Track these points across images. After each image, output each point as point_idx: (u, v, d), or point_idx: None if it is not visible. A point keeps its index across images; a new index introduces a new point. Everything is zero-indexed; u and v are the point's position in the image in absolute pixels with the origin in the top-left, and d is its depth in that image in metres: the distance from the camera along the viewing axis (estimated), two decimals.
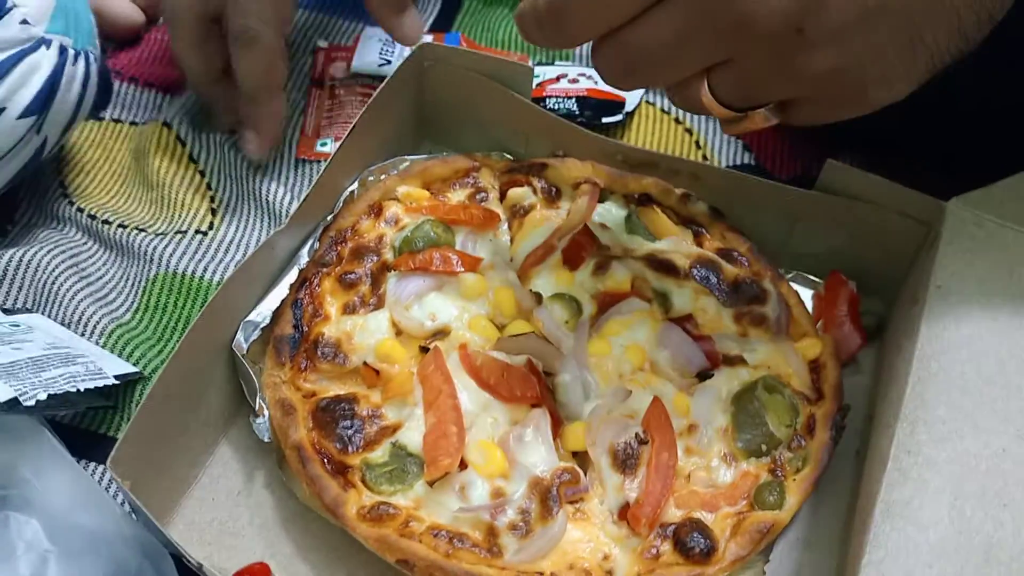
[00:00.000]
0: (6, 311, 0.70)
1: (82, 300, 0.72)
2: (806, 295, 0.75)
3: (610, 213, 0.76)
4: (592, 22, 0.54)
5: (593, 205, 0.75)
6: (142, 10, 0.91)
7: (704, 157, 0.87)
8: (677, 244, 0.74)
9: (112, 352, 0.70)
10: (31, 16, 0.69)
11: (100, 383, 0.64)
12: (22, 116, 0.69)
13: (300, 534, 0.64)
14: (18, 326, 0.68)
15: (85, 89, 0.74)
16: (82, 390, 0.63)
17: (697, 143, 0.88)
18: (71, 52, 0.72)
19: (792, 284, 0.75)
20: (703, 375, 0.67)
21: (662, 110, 0.90)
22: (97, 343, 0.70)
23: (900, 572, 0.49)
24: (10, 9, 0.68)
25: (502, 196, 0.78)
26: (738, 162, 0.87)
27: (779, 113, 0.57)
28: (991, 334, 0.61)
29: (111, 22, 0.87)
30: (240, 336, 0.66)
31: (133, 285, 0.74)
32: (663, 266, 0.71)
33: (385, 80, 0.75)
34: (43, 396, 0.60)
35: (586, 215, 0.74)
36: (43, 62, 0.70)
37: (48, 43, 0.70)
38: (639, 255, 0.72)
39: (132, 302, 0.73)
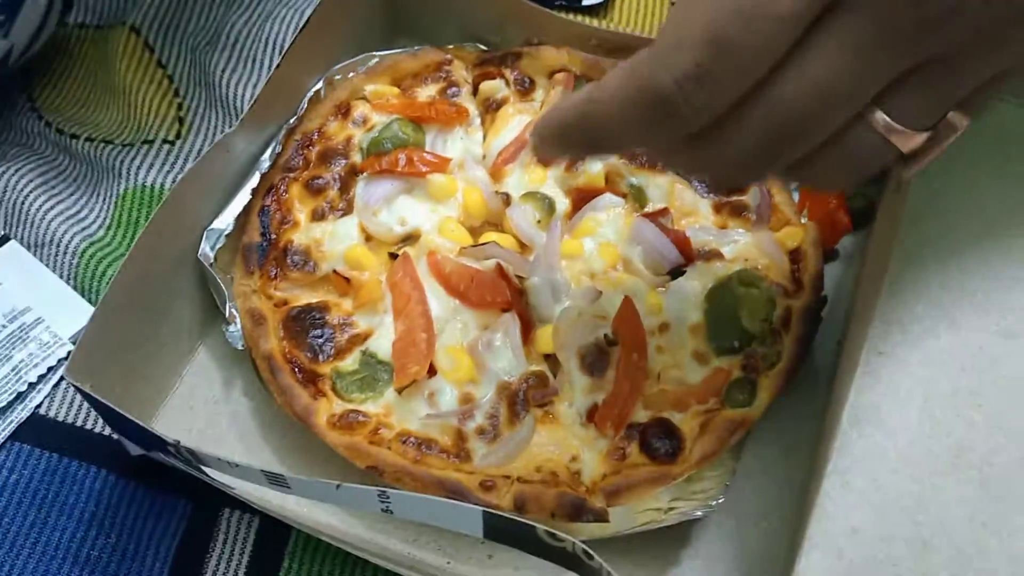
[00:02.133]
0: None
1: (54, 219, 0.71)
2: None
3: None
4: (722, 91, 0.40)
5: (567, 96, 0.72)
6: None
7: None
8: None
9: (86, 271, 0.70)
10: None
11: (50, 363, 0.67)
12: None
13: (278, 439, 0.65)
14: None
15: (49, 7, 0.72)
16: (33, 381, 0.66)
17: None
18: None
19: None
20: (677, 272, 0.65)
21: None
22: (71, 263, 0.70)
23: (865, 479, 0.49)
24: None
25: (475, 89, 0.75)
26: None
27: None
28: (975, 224, 0.58)
29: None
30: (205, 245, 0.66)
31: (104, 200, 0.73)
32: (639, 158, 0.68)
33: None
34: (3, 436, 0.64)
35: None
36: None
37: None
38: None
39: (104, 218, 0.73)
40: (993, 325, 0.53)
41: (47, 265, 0.70)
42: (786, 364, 0.62)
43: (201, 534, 0.62)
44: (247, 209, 0.68)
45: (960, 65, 0.41)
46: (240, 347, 0.64)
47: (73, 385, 0.55)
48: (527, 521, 0.51)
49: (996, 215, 0.58)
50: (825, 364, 0.65)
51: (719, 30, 0.38)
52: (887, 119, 0.41)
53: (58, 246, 0.70)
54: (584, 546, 0.49)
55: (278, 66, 0.68)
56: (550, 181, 0.69)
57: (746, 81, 0.39)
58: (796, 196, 0.71)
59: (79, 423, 0.65)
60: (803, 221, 0.69)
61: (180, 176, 0.73)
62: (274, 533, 0.62)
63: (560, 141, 0.45)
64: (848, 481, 0.49)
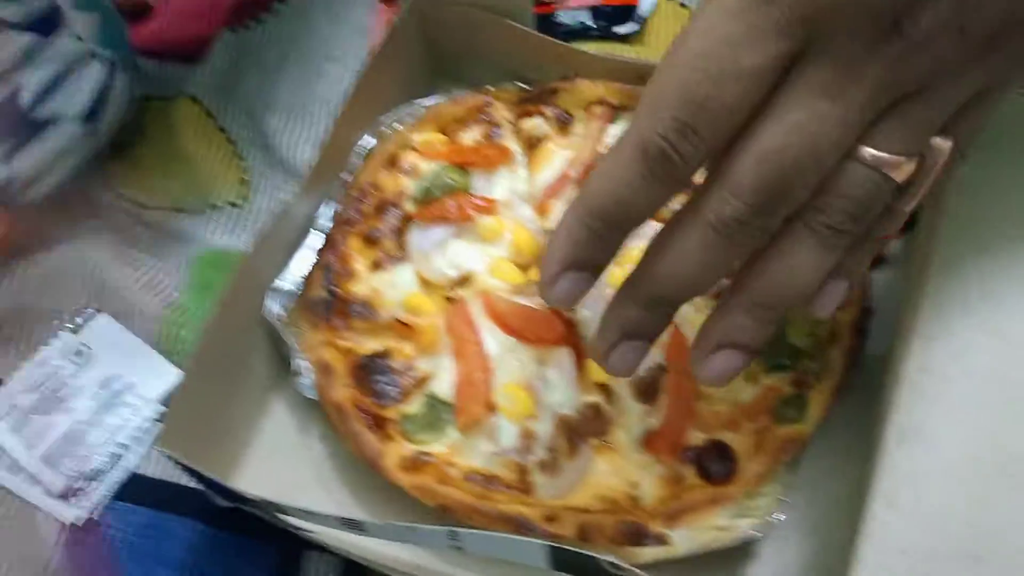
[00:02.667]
0: (73, 330, 0.76)
1: (134, 287, 0.77)
2: None
3: None
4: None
5: (604, 129, 0.74)
6: None
7: None
8: None
9: (168, 336, 0.75)
10: (83, 33, 0.74)
11: (140, 424, 0.72)
12: (79, 122, 0.75)
13: (354, 482, 0.68)
14: (80, 355, 0.75)
15: (129, 99, 0.80)
16: (127, 443, 0.72)
17: None
18: (115, 65, 0.78)
19: None
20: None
21: (680, 4, 0.86)
22: (151, 328, 0.75)
23: (912, 499, 0.49)
24: (64, 27, 0.72)
25: (517, 129, 0.78)
26: None
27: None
28: (1017, 227, 0.58)
29: None
30: (271, 304, 0.70)
31: (177, 265, 0.78)
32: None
33: (381, 33, 0.75)
34: (101, 496, 0.70)
35: (597, 141, 0.73)
36: (94, 74, 0.75)
37: (97, 57, 0.75)
38: None
39: (179, 282, 0.78)
40: None
41: (132, 332, 0.75)
42: (836, 378, 0.63)
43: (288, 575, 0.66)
44: (311, 266, 0.71)
45: (934, 93, 0.42)
46: (312, 397, 0.68)
47: (165, 455, 0.60)
48: (588, 552, 0.53)
49: None
50: (876, 374, 0.66)
51: (690, 92, 0.42)
52: (872, 151, 0.43)
53: (139, 313, 0.75)
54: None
55: (333, 128, 0.72)
56: None
57: (726, 131, 0.42)
58: None
59: (172, 479, 0.70)
60: None
61: (246, 240, 0.78)
62: (356, 571, 0.65)
63: (588, 235, 0.49)
64: (894, 501, 0.50)
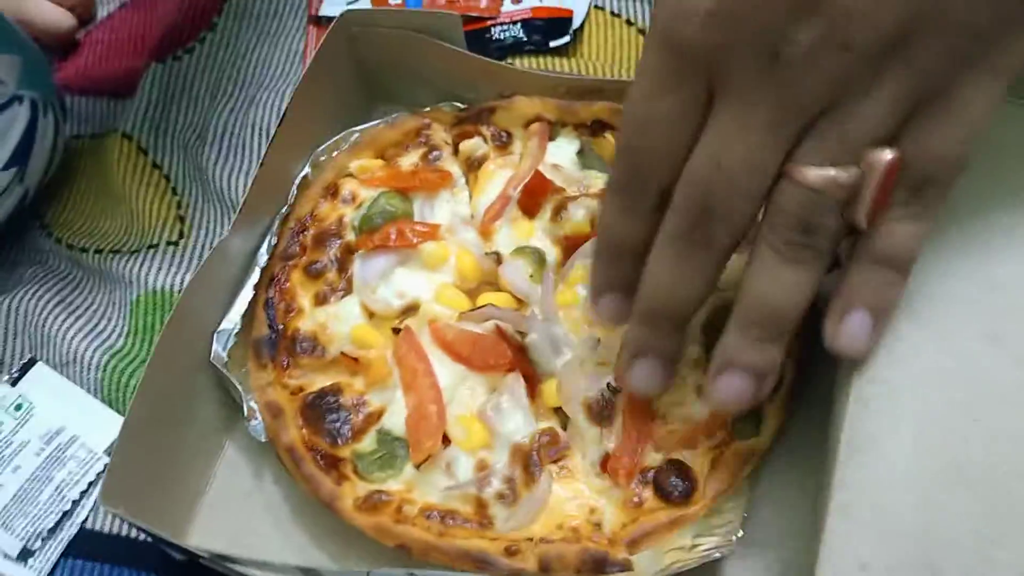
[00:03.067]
0: (10, 382, 0.74)
1: (74, 337, 0.75)
2: None
3: (562, 150, 0.74)
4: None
5: (544, 146, 0.73)
6: (72, 11, 0.90)
7: None
8: None
9: (111, 383, 0.73)
10: (4, 75, 0.72)
11: (90, 478, 0.70)
12: (6, 167, 0.73)
13: (311, 523, 0.67)
14: (20, 408, 0.73)
15: (56, 139, 0.78)
16: (76, 498, 0.70)
17: None
18: (40, 104, 0.76)
19: None
20: None
21: (612, 13, 0.86)
22: (96, 378, 0.73)
23: (868, 511, 0.49)
24: None
25: (456, 149, 0.76)
26: None
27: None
28: (952, 231, 0.58)
29: (42, 31, 0.86)
30: (216, 347, 0.68)
31: (119, 310, 0.76)
32: None
33: (311, 57, 0.73)
34: (56, 555, 0.68)
35: (536, 158, 0.72)
36: (19, 117, 0.73)
37: (21, 99, 0.73)
38: (596, 190, 0.71)
39: (121, 327, 0.76)
40: (981, 330, 0.54)
41: (74, 382, 0.73)
42: (789, 388, 0.63)
43: None
44: (252, 304, 0.70)
45: (845, 107, 0.44)
46: (264, 440, 0.67)
47: (108, 510, 0.58)
48: None
49: (971, 220, 0.58)
50: (828, 378, 0.66)
51: (625, 142, 0.50)
52: (796, 168, 0.46)
53: (82, 363, 0.73)
54: None
55: (263, 160, 0.70)
56: (538, 233, 0.71)
57: (665, 169, 0.48)
58: None
59: (126, 532, 0.68)
60: None
61: (186, 279, 0.76)
62: None
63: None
64: (851, 515, 0.49)
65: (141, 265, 0.78)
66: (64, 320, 0.76)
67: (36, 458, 0.71)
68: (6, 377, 0.73)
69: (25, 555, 0.67)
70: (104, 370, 0.73)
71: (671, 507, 0.60)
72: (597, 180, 0.71)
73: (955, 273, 0.56)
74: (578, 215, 0.70)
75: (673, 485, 0.60)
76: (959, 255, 0.57)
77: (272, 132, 0.73)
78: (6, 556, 0.67)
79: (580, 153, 0.74)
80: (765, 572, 0.60)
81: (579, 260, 0.69)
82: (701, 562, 0.57)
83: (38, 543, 0.68)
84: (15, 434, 0.71)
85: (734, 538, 0.58)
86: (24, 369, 0.74)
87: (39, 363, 0.75)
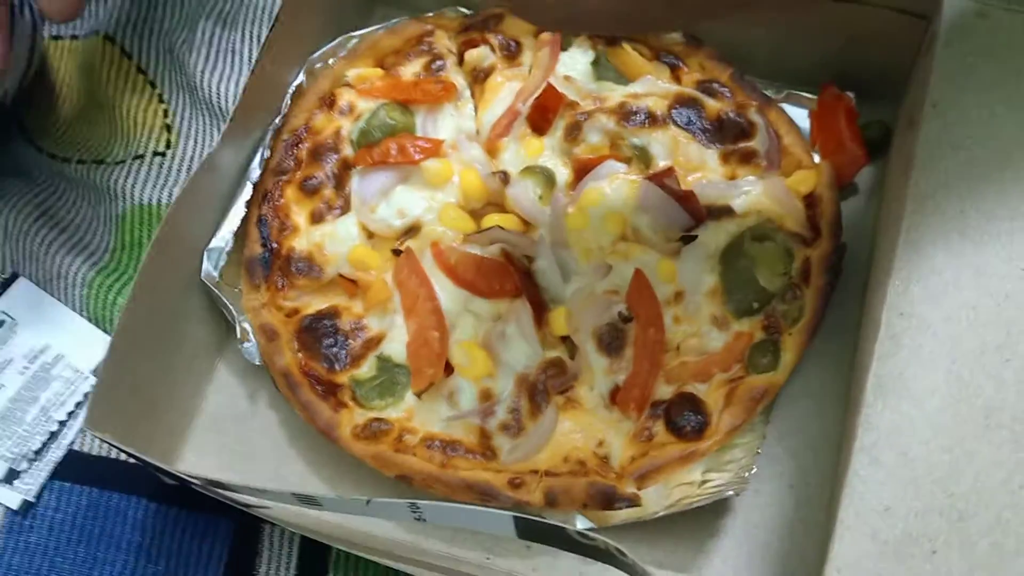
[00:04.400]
0: None
1: (58, 252, 0.71)
2: (801, 115, 0.69)
3: (575, 61, 0.69)
4: None
5: (555, 57, 0.69)
6: None
7: None
8: (652, 84, 0.68)
9: (97, 300, 0.70)
10: None
11: (77, 399, 0.68)
12: None
13: (309, 450, 0.65)
14: (2, 324, 0.69)
15: (35, 39, 0.74)
16: (63, 419, 0.67)
17: None
18: (15, 3, 0.70)
19: (785, 106, 0.69)
20: (688, 237, 0.63)
21: None
22: (82, 295, 0.70)
23: (894, 453, 0.47)
24: None
25: (461, 59, 0.72)
26: None
27: None
28: (995, 157, 0.55)
29: None
30: (207, 265, 0.65)
31: (105, 224, 0.73)
32: (639, 117, 0.65)
33: None
34: (43, 477, 0.66)
35: (548, 70, 0.68)
36: None
37: None
38: (611, 105, 0.66)
39: (107, 242, 0.72)
40: (1018, 270, 0.51)
41: (59, 299, 0.70)
42: (808, 320, 0.60)
43: (246, 552, 0.63)
44: (245, 221, 0.66)
45: None
46: (258, 362, 0.64)
47: (95, 435, 0.55)
48: (556, 523, 0.51)
49: (1016, 144, 0.55)
50: (852, 311, 0.63)
51: None
52: None
53: (67, 279, 0.70)
54: (616, 544, 0.49)
55: (254, 67, 0.65)
56: (548, 151, 0.67)
57: None
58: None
59: (115, 455, 0.66)
60: (816, 160, 0.66)
61: (175, 192, 0.73)
62: (317, 544, 0.62)
63: None
64: (877, 457, 0.47)
65: (127, 177, 0.73)
66: (48, 234, 0.72)
67: (20, 377, 0.68)
68: None
69: (11, 476, 0.65)
70: (90, 287, 0.70)
71: (682, 442, 0.58)
72: (613, 94, 0.67)
73: (995, 209, 0.53)
74: (594, 137, 0.66)
75: (686, 419, 0.58)
76: (1002, 188, 0.54)
77: (264, 36, 0.68)
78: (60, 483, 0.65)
79: (595, 64, 0.69)
80: (776, 510, 0.59)
81: (591, 182, 0.65)
82: (712, 499, 0.56)
83: (24, 464, 0.66)
84: None
85: (747, 474, 0.56)
86: (5, 284, 0.71)
87: (22, 278, 0.71)
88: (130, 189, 0.73)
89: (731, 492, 0.55)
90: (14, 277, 0.71)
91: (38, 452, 0.66)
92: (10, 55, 0.66)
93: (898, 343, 0.50)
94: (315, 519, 0.60)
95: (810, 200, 0.64)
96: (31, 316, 0.70)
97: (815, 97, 0.69)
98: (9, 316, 0.70)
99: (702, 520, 0.59)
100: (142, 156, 0.75)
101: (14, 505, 0.65)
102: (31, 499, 0.65)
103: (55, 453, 0.66)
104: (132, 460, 0.64)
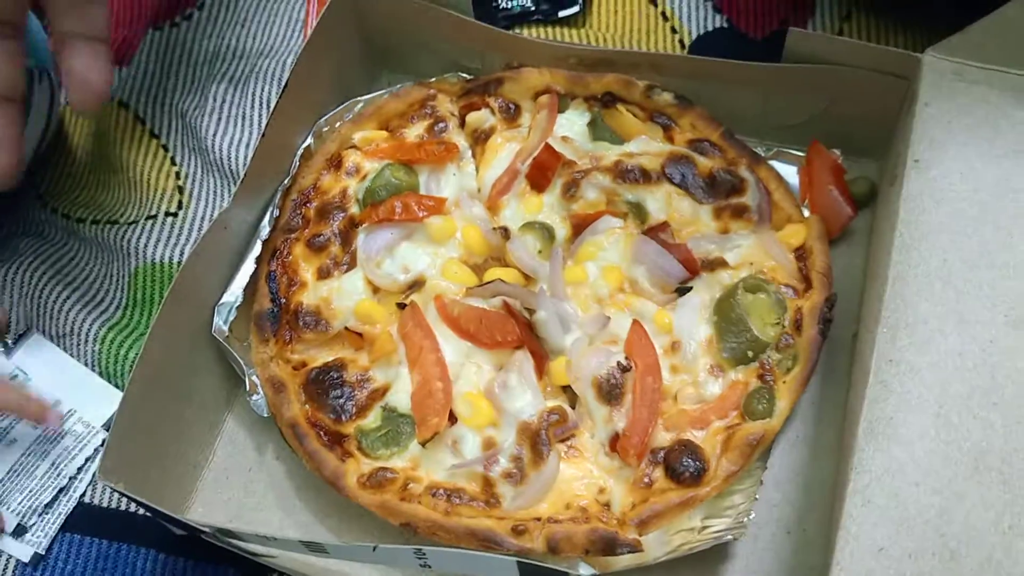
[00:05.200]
0: (4, 351, 0.72)
1: (71, 308, 0.73)
2: (791, 172, 0.72)
3: (572, 122, 0.72)
4: None
5: (553, 118, 0.72)
6: None
7: (673, 29, 0.82)
8: (646, 144, 0.71)
9: (109, 355, 0.72)
10: None
11: (87, 453, 0.69)
12: None
13: (315, 500, 0.66)
14: (15, 379, 0.71)
15: (51, 107, 0.76)
16: (73, 473, 0.69)
17: (664, 15, 0.83)
18: (36, 72, 0.74)
19: (774, 163, 0.71)
20: (684, 288, 0.65)
21: None
22: (94, 350, 0.72)
23: (886, 496, 0.49)
24: None
25: (463, 121, 0.75)
26: (710, 27, 0.82)
27: None
28: (974, 210, 0.57)
29: None
30: (218, 320, 0.67)
31: (117, 281, 0.75)
32: (634, 174, 0.68)
33: (313, 25, 0.71)
34: (54, 530, 0.67)
35: (546, 131, 0.71)
36: None
37: None
38: (607, 164, 0.69)
39: (119, 299, 0.74)
40: (1001, 316, 0.53)
41: (71, 354, 0.72)
42: (802, 368, 0.62)
43: None
44: (254, 277, 0.68)
45: None
46: (266, 415, 0.66)
47: (107, 486, 0.56)
48: (560, 568, 0.52)
49: (993, 197, 0.57)
50: (843, 358, 0.65)
51: None
52: None
53: (79, 335, 0.72)
54: None
55: (264, 131, 0.68)
56: (547, 208, 0.69)
57: None
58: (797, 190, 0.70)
59: (124, 507, 0.67)
60: (805, 214, 0.68)
61: (187, 251, 0.75)
62: None
63: None
64: (869, 499, 0.49)
65: (139, 236, 0.76)
66: (61, 291, 0.74)
67: (32, 431, 0.69)
68: (0, 348, 0.72)
69: (21, 531, 0.66)
70: (102, 343, 0.72)
71: (682, 488, 0.59)
72: (609, 153, 0.70)
73: (977, 259, 0.56)
74: (591, 194, 0.68)
75: (684, 465, 0.59)
76: (982, 239, 0.56)
77: (273, 102, 0.70)
78: (1, 531, 0.66)
79: (591, 125, 0.72)
80: (774, 555, 0.60)
81: (589, 237, 0.67)
82: (712, 544, 0.57)
83: (34, 518, 0.67)
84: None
85: (745, 520, 0.58)
86: (19, 339, 0.73)
87: (35, 333, 0.73)
88: (142, 248, 0.75)
89: (730, 537, 0.56)
90: (27, 332, 0.73)
91: (48, 505, 0.67)
92: (22, 141, 0.66)
93: (888, 388, 0.51)
94: (322, 568, 0.61)
95: (801, 252, 0.66)
96: (43, 370, 0.72)
97: (803, 154, 0.72)
98: (23, 371, 0.71)
99: (702, 565, 0.60)
100: (155, 216, 0.77)
101: (25, 558, 0.66)
102: (41, 552, 0.66)
103: (66, 506, 0.68)
104: (142, 511, 0.66)
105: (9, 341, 0.72)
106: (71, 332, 0.72)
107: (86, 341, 0.72)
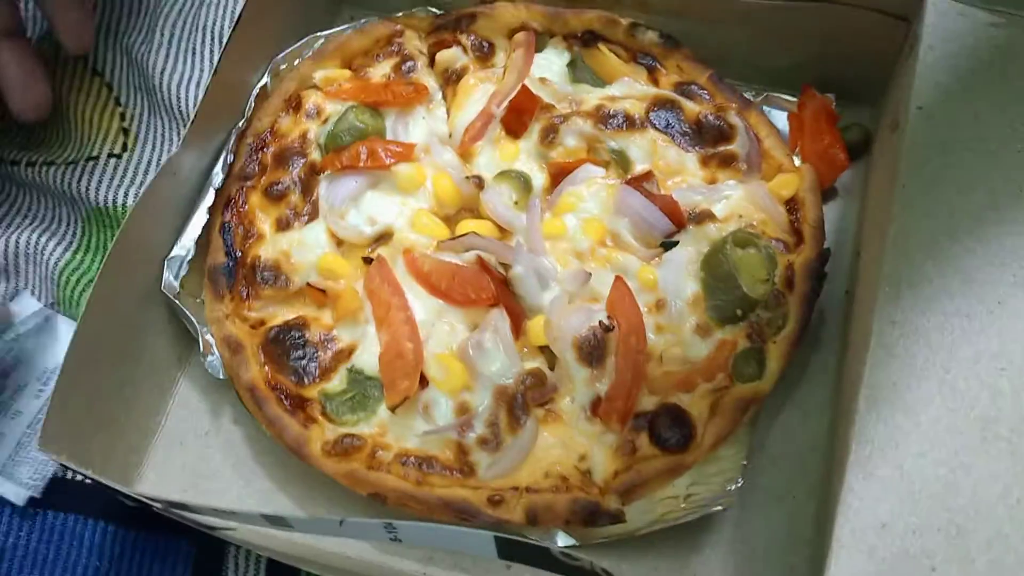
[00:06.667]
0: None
1: (20, 255, 0.68)
2: (781, 118, 0.68)
3: (551, 62, 0.68)
4: None
5: (530, 58, 0.67)
6: None
7: None
8: (630, 87, 0.66)
9: (68, 300, 0.68)
10: None
11: None
12: None
13: (276, 467, 0.62)
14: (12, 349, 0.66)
15: None
16: None
17: None
18: None
19: (765, 108, 0.67)
20: (669, 243, 0.61)
21: None
22: (53, 288, 0.68)
23: (889, 468, 0.46)
24: None
25: (432, 60, 0.70)
26: None
27: None
28: (981, 160, 0.53)
29: None
30: (167, 275, 0.62)
31: (68, 226, 0.70)
32: (617, 119, 0.64)
33: None
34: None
35: (522, 72, 0.66)
36: None
37: None
38: (588, 108, 0.65)
39: (72, 242, 0.69)
40: (1010, 276, 0.50)
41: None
42: (793, 327, 0.58)
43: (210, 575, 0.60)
44: (207, 228, 0.64)
45: None
46: (222, 376, 0.61)
47: (49, 456, 0.52)
48: (540, 543, 0.48)
49: (1003, 146, 0.54)
50: (835, 316, 0.62)
51: None
52: None
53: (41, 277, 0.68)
54: (601, 565, 0.47)
55: (216, 68, 0.62)
56: (523, 155, 0.65)
57: None
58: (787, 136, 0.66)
59: (70, 475, 0.63)
60: (797, 164, 0.65)
61: (132, 198, 0.69)
62: (285, 566, 0.60)
63: None
64: (871, 472, 0.46)
65: (80, 178, 0.70)
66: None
67: (36, 401, 0.65)
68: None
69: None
70: (63, 288, 0.67)
71: (667, 454, 0.56)
72: (590, 96, 0.65)
73: (986, 213, 0.52)
74: (571, 141, 0.64)
75: (670, 432, 0.56)
76: (991, 192, 0.53)
77: (226, 37, 0.65)
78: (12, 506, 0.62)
79: (571, 65, 0.68)
80: (764, 525, 0.57)
81: (568, 187, 0.63)
82: (698, 515, 0.54)
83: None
84: (7, 378, 0.65)
85: (732, 488, 0.55)
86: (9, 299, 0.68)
87: (24, 292, 0.68)
88: (83, 190, 0.70)
89: (717, 507, 0.53)
90: (16, 292, 0.68)
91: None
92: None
93: (890, 352, 0.48)
94: (284, 540, 0.57)
95: (792, 204, 0.63)
96: (38, 336, 0.67)
97: (795, 99, 0.68)
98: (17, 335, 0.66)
99: (688, 534, 0.57)
100: (96, 158, 0.71)
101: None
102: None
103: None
104: (88, 481, 0.62)
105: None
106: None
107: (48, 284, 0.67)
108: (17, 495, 0.62)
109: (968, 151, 0.54)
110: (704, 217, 0.61)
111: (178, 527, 0.59)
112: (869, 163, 0.66)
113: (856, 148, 0.67)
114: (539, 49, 0.68)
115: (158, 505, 0.53)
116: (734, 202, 0.62)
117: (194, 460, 0.63)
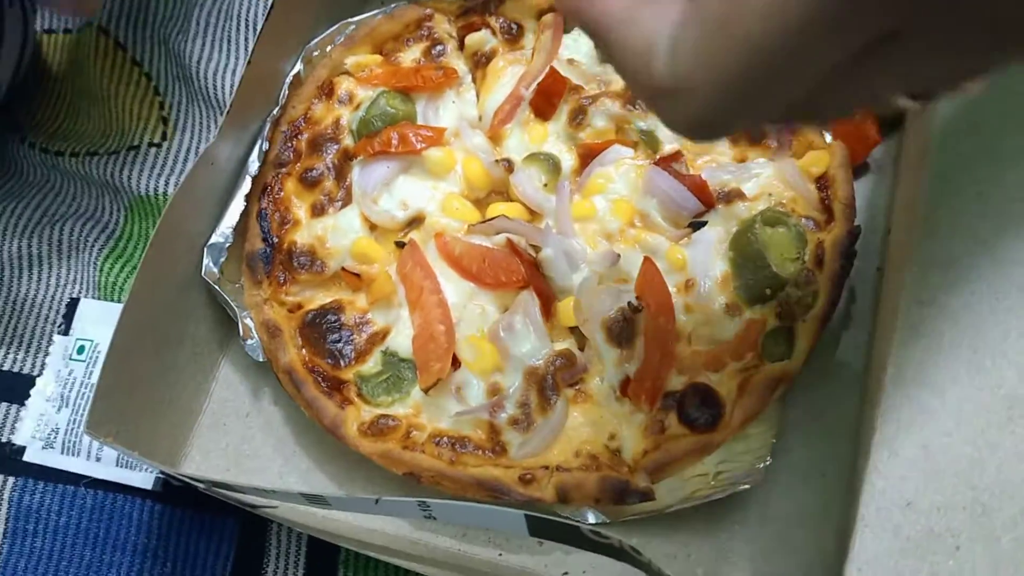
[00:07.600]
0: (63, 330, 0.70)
1: (64, 244, 0.70)
2: None
3: (579, 43, 0.68)
4: None
5: (558, 39, 0.67)
6: None
7: None
8: None
9: (111, 286, 0.70)
10: None
11: None
12: None
13: (314, 447, 0.64)
14: (83, 351, 0.69)
15: (25, 33, 0.71)
16: None
17: None
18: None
19: None
20: (698, 223, 0.61)
21: None
22: (95, 276, 0.70)
23: (915, 447, 0.46)
24: None
25: (462, 44, 0.70)
26: None
27: None
28: (1011, 139, 0.53)
29: None
30: (207, 261, 0.63)
31: (112, 214, 0.72)
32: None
33: None
34: None
35: (551, 53, 0.66)
36: None
37: None
38: (617, 89, 0.65)
39: (115, 231, 0.72)
40: None
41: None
42: (823, 306, 0.58)
43: (253, 552, 0.62)
44: (244, 215, 0.65)
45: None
46: (262, 359, 0.63)
47: (97, 440, 0.54)
48: (570, 521, 0.49)
49: None
50: (867, 294, 0.62)
51: None
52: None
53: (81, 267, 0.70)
54: (631, 543, 0.48)
55: (251, 56, 0.63)
56: (552, 137, 0.65)
57: None
58: None
59: (120, 456, 0.65)
60: (827, 140, 0.64)
61: (171, 181, 0.71)
62: (326, 543, 0.61)
63: None
64: (897, 450, 0.46)
65: (122, 168, 0.72)
66: (51, 231, 0.71)
67: None
68: (54, 327, 0.70)
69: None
70: (106, 275, 0.69)
71: (696, 433, 0.56)
72: (617, 77, 0.65)
73: (1017, 192, 0.52)
74: (599, 121, 0.64)
75: (699, 411, 0.56)
76: (1017, 172, 0.52)
77: (259, 25, 0.66)
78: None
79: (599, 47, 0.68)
80: (792, 502, 0.57)
81: (597, 168, 0.63)
82: (727, 492, 0.54)
83: None
84: (89, 377, 0.67)
85: (762, 466, 0.55)
86: (70, 311, 0.70)
87: (83, 300, 0.70)
88: (126, 180, 0.72)
89: (746, 485, 0.54)
90: (75, 302, 0.70)
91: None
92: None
93: (917, 332, 0.48)
94: (323, 518, 0.59)
95: (822, 181, 0.62)
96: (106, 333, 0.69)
97: None
98: (87, 339, 0.69)
99: (716, 512, 0.57)
100: (136, 147, 0.73)
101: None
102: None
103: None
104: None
105: (61, 318, 0.70)
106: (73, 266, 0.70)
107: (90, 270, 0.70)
108: (144, 479, 0.64)
109: (999, 129, 0.53)
110: (733, 196, 0.61)
111: (223, 506, 0.62)
112: (901, 138, 0.66)
113: (888, 124, 0.66)
114: (567, 30, 0.68)
115: (202, 485, 0.55)
116: (764, 180, 0.62)
117: (236, 441, 0.65)
